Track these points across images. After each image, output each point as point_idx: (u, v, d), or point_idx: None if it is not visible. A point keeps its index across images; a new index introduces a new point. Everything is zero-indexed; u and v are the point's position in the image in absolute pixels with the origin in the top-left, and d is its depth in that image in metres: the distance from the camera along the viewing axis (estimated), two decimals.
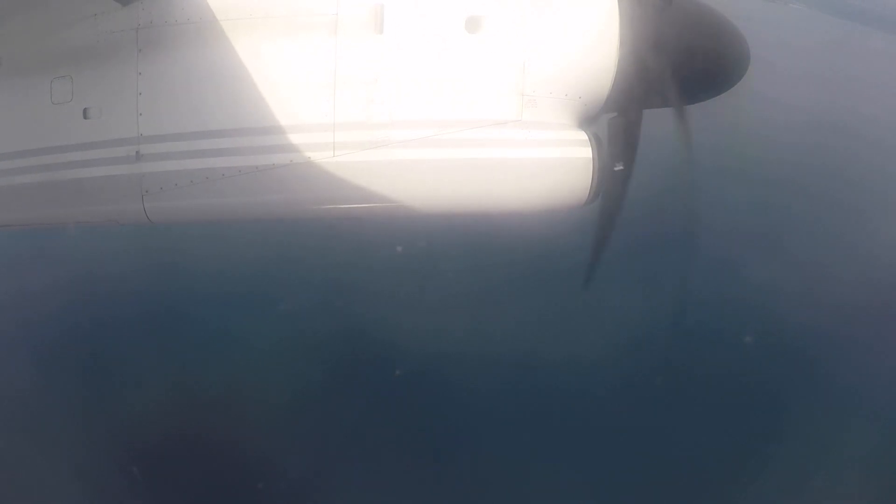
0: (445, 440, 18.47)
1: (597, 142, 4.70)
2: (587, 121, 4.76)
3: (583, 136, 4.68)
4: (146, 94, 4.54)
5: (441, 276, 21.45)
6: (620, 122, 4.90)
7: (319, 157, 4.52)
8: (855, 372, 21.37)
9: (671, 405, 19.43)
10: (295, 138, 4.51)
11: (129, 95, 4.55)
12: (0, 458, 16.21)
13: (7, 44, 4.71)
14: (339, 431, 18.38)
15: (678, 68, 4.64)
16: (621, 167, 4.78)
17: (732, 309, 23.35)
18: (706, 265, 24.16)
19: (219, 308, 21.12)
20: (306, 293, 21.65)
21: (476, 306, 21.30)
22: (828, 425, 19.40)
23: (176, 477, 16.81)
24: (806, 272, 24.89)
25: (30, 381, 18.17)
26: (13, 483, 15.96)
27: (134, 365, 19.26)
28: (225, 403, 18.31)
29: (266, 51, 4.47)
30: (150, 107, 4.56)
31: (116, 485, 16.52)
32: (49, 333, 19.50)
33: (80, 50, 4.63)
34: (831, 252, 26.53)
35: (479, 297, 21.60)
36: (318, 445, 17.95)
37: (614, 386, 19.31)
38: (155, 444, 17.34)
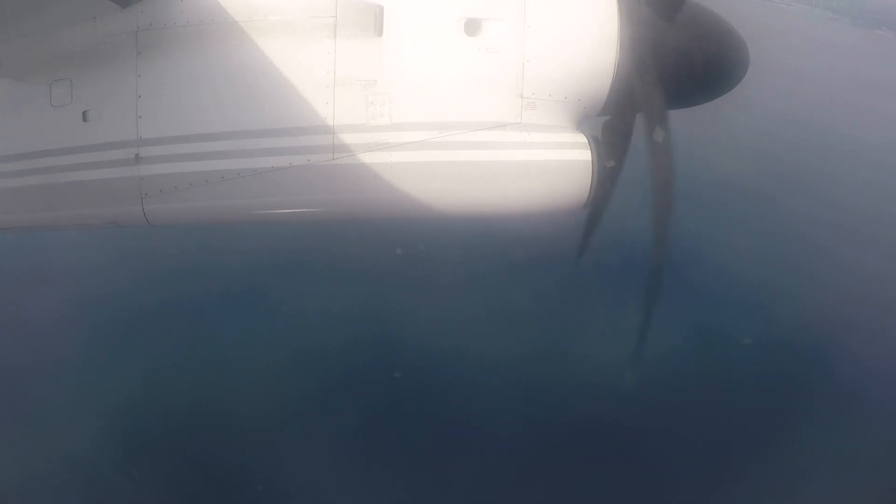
0: (444, 441, 18.46)
1: (595, 144, 4.71)
2: (585, 123, 4.77)
3: (582, 138, 4.68)
4: (145, 96, 4.53)
5: (440, 279, 21.46)
6: (615, 124, 4.91)
7: (318, 159, 4.50)
8: (853, 373, 21.40)
9: (668, 406, 19.44)
10: (294, 141, 4.49)
11: (129, 98, 4.53)
12: None
13: (6, 46, 4.69)
14: (339, 433, 18.37)
15: (676, 70, 4.65)
16: (613, 164, 4.79)
17: (731, 310, 23.38)
18: (704, 266, 24.18)
19: (218, 310, 21.12)
20: (305, 295, 21.65)
21: (475, 308, 21.30)
22: (826, 425, 19.41)
23: (175, 479, 16.80)
24: (805, 273, 24.91)
25: (30, 383, 18.16)
26: (13, 483, 15.95)
27: (134, 365, 19.25)
28: (223, 405, 18.29)
29: (265, 53, 4.45)
30: (149, 109, 4.53)
31: (115, 486, 16.51)
32: (48, 335, 19.46)
33: (79, 52, 4.61)
34: (830, 253, 26.54)
35: (477, 298, 21.61)
36: (317, 447, 17.93)
37: (610, 386, 19.29)
38: (154, 447, 17.34)
